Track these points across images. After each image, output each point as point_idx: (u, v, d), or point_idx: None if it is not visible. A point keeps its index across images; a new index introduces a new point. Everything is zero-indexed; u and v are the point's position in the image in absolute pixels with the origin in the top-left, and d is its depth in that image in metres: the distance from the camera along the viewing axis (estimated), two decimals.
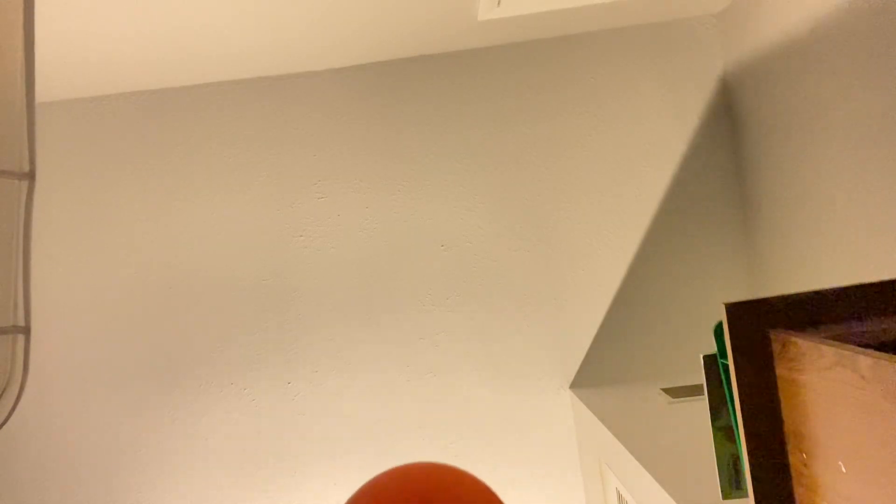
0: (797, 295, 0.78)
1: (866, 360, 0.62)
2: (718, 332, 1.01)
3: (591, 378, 2.06)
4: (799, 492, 0.75)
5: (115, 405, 2.03)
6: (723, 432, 1.11)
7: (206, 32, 1.71)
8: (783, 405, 0.76)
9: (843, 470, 0.67)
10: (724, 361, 1.06)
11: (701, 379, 1.14)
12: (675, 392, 1.82)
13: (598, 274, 2.07)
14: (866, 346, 0.67)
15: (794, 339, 0.73)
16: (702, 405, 1.14)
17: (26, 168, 0.75)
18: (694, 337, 2.04)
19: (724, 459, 1.11)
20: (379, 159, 2.07)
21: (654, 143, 2.07)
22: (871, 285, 0.78)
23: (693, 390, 1.80)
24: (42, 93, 1.98)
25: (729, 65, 2.03)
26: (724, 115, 2.06)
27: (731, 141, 2.06)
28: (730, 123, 2.06)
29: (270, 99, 2.08)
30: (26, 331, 0.77)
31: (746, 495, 1.08)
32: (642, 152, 2.07)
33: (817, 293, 0.77)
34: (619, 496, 1.69)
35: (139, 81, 2.00)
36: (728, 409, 1.10)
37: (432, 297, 2.06)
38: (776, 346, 0.76)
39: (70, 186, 2.05)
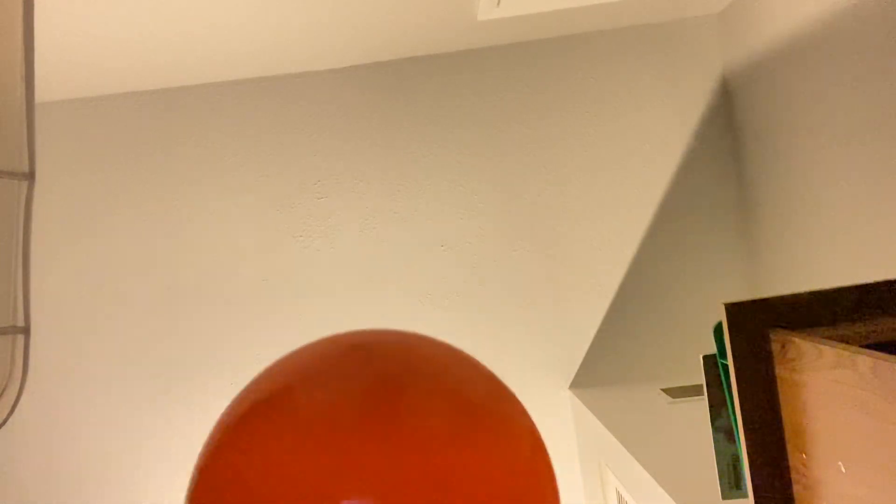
0: (797, 295, 0.78)
1: (866, 360, 0.62)
2: (718, 332, 1.01)
3: (591, 378, 2.06)
4: (799, 492, 0.75)
5: (114, 405, 2.03)
6: (723, 432, 1.11)
7: (205, 33, 1.71)
8: (783, 405, 0.76)
9: (843, 470, 0.67)
10: (724, 361, 1.06)
11: (701, 379, 1.14)
12: (675, 392, 1.82)
13: (598, 274, 2.07)
14: (866, 346, 0.67)
15: (793, 339, 0.73)
16: (702, 405, 1.14)
17: (26, 168, 0.75)
18: (694, 337, 2.04)
19: (724, 459, 1.11)
20: (379, 159, 2.07)
21: (653, 143, 2.06)
22: (871, 285, 0.78)
23: (693, 390, 1.80)
24: (42, 93, 1.98)
25: (729, 65, 2.03)
26: (724, 115, 2.06)
27: (731, 141, 2.06)
28: (730, 123, 2.06)
29: (270, 99, 2.07)
30: (26, 331, 0.77)
31: (746, 495, 1.08)
32: (642, 152, 2.07)
33: (817, 293, 0.77)
34: (619, 496, 1.69)
35: (139, 81, 2.00)
36: (728, 409, 1.10)
37: (432, 297, 2.06)
38: (776, 346, 0.76)
39: (70, 186, 2.05)
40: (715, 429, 1.11)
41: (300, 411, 0.76)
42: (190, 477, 0.80)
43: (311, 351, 0.89)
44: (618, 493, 1.70)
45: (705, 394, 1.12)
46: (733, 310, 0.78)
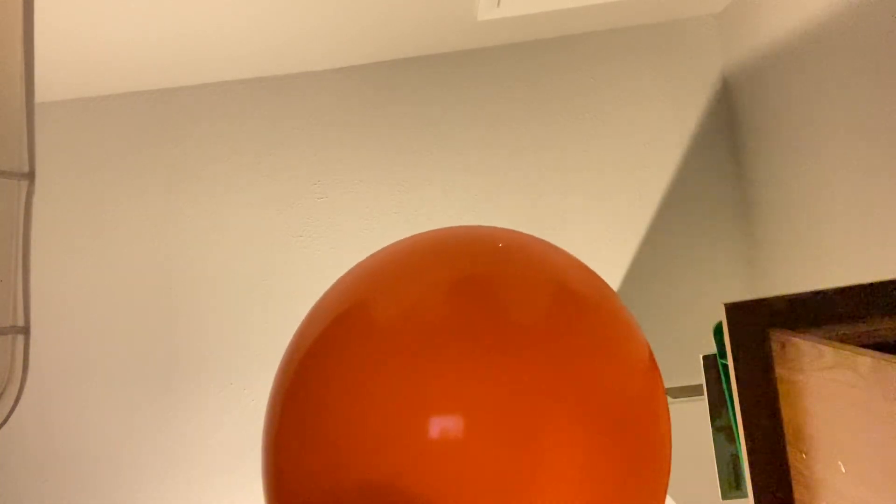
0: (797, 295, 0.77)
1: (866, 360, 0.62)
2: (718, 332, 1.01)
3: None
4: (799, 492, 0.75)
5: (114, 405, 2.03)
6: (723, 432, 1.11)
7: (205, 33, 1.71)
8: (783, 405, 0.76)
9: (843, 470, 0.67)
10: (724, 361, 1.06)
11: (701, 379, 1.14)
12: (675, 392, 1.82)
13: (598, 273, 2.06)
14: (866, 346, 0.67)
15: (793, 339, 0.73)
16: (701, 405, 1.14)
17: (26, 168, 0.75)
18: (694, 337, 2.04)
19: (723, 459, 1.11)
20: (379, 159, 2.07)
21: (653, 143, 2.06)
22: (871, 285, 0.77)
23: (693, 390, 1.80)
24: (42, 93, 1.98)
25: (729, 65, 2.03)
26: (724, 115, 2.06)
27: (731, 141, 2.06)
28: (730, 123, 2.06)
29: (271, 99, 2.07)
30: (26, 331, 0.77)
31: (746, 495, 1.08)
32: (642, 152, 2.07)
33: (817, 293, 0.77)
34: None
35: (139, 81, 2.00)
36: (728, 409, 1.10)
37: None
38: (776, 346, 0.76)
39: (70, 186, 2.05)
40: (715, 429, 1.11)
41: (381, 319, 0.65)
42: (268, 409, 0.71)
43: (381, 257, 0.75)
44: None
45: (705, 394, 1.12)
46: (733, 310, 0.78)
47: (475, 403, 0.56)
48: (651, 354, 0.70)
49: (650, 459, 0.65)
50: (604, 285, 0.73)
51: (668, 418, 0.68)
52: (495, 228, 0.79)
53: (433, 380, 0.57)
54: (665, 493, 0.67)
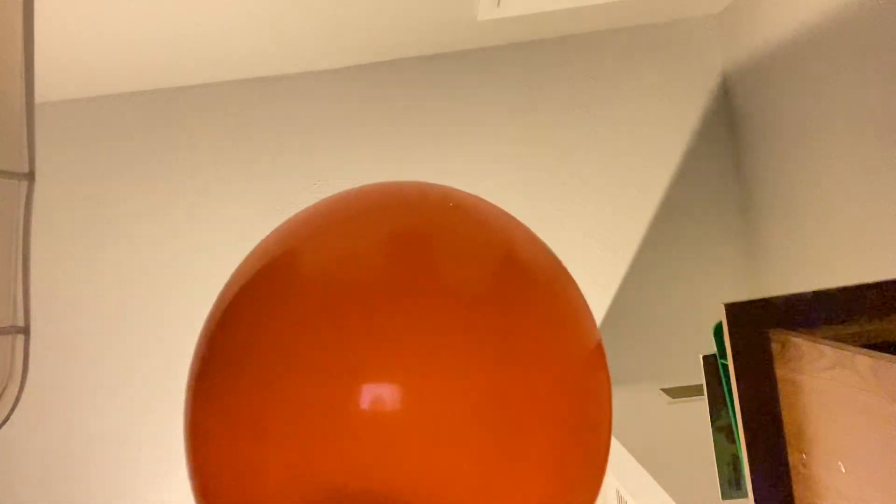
0: (797, 295, 0.77)
1: (866, 360, 0.62)
2: (718, 332, 1.01)
3: None
4: (799, 492, 0.75)
5: (115, 405, 2.03)
6: (723, 432, 1.11)
7: (205, 33, 1.71)
8: (783, 405, 0.76)
9: (843, 470, 0.67)
10: (724, 361, 1.06)
11: (701, 379, 1.14)
12: (675, 392, 1.82)
13: (598, 274, 2.07)
14: (866, 346, 0.67)
15: (794, 339, 0.73)
16: (702, 405, 1.14)
17: (26, 168, 0.75)
18: (694, 337, 2.04)
19: (723, 459, 1.11)
20: (378, 160, 2.07)
21: (653, 143, 2.06)
22: (871, 285, 0.77)
23: (693, 390, 1.80)
24: (42, 93, 1.98)
25: (729, 65, 2.03)
26: (724, 115, 2.06)
27: (731, 141, 2.06)
28: (730, 123, 2.06)
29: (270, 99, 2.07)
30: (26, 331, 0.77)
31: (746, 495, 1.08)
32: (642, 152, 2.07)
33: (817, 293, 0.77)
34: (619, 496, 1.69)
35: (139, 81, 2.00)
36: (728, 409, 1.10)
37: None
38: (776, 346, 0.76)
39: (70, 186, 2.05)
40: (715, 429, 1.11)
41: (307, 277, 0.60)
42: (190, 368, 0.69)
43: (316, 210, 0.71)
44: (618, 493, 1.70)
45: (705, 394, 1.12)
46: (733, 310, 0.78)
47: (409, 371, 0.52)
48: (600, 342, 0.68)
49: (587, 446, 0.64)
50: (559, 265, 0.70)
51: (610, 408, 0.66)
52: (451, 188, 0.74)
53: (362, 343, 0.53)
54: (602, 477, 0.67)
